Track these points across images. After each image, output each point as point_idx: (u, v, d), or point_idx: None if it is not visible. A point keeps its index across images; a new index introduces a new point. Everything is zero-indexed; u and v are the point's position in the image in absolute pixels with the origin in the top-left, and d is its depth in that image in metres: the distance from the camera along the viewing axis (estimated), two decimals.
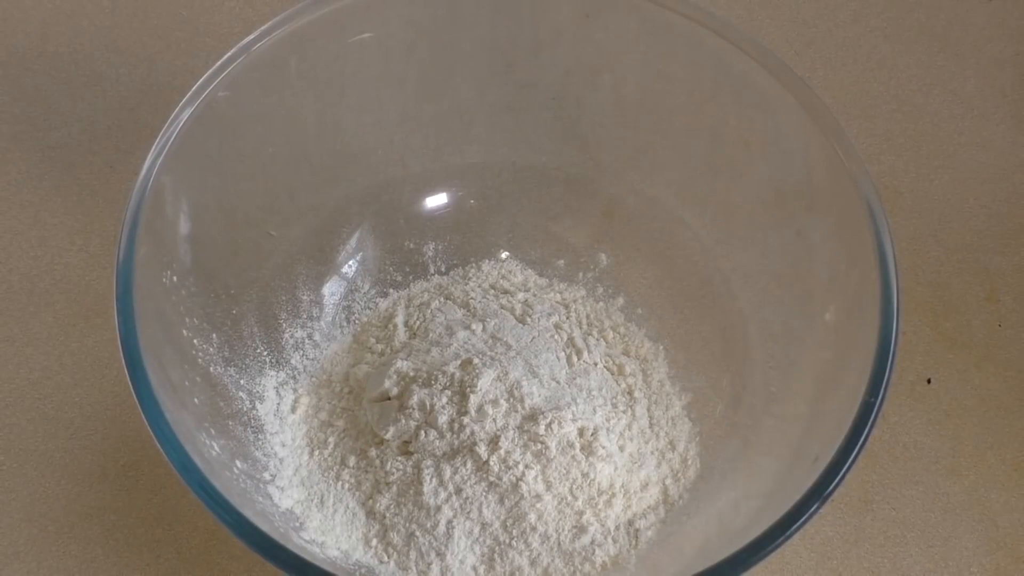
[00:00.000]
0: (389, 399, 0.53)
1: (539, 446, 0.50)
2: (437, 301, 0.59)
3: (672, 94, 0.57)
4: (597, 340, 0.58)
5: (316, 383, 0.57)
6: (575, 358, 0.56)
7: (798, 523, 0.42)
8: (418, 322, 0.58)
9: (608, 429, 0.53)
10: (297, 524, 0.50)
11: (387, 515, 0.51)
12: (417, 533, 0.50)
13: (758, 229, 0.57)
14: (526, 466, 0.50)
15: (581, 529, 0.51)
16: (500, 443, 0.50)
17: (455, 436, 0.50)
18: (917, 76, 0.73)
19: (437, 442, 0.50)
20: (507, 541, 0.50)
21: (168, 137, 0.49)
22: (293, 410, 0.55)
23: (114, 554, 0.56)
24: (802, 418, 0.50)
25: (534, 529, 0.50)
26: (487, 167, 0.61)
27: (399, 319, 0.59)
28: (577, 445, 0.51)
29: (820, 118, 0.51)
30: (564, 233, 0.62)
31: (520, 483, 0.50)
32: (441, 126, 0.60)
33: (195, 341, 0.50)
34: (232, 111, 0.52)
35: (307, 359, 0.57)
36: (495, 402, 0.51)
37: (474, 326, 0.56)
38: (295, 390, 0.56)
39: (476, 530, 0.50)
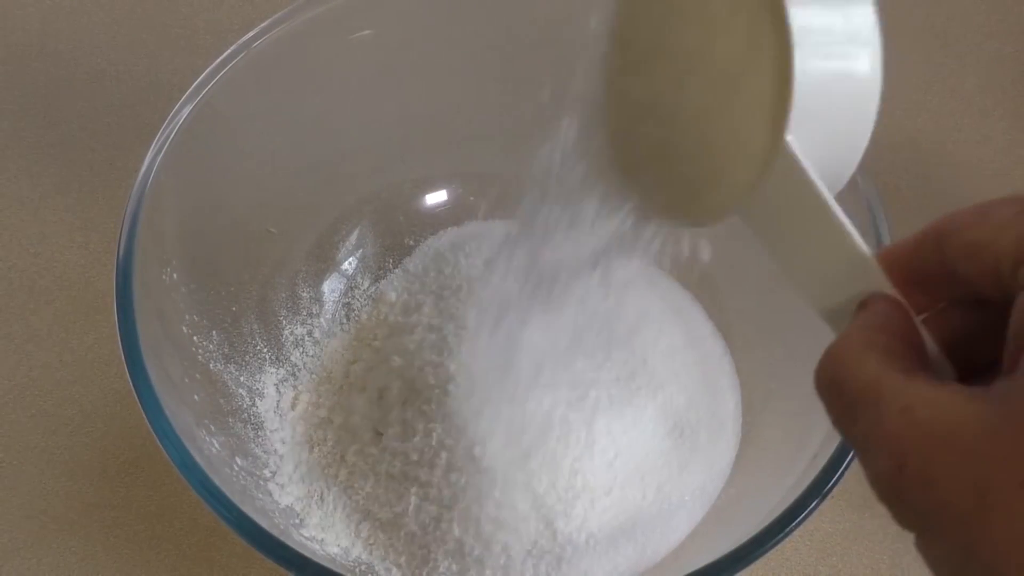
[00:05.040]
0: (388, 398, 0.53)
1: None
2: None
3: None
4: None
5: (316, 380, 0.57)
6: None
7: (797, 519, 0.42)
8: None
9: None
10: (297, 521, 0.50)
11: (387, 512, 0.51)
12: (417, 531, 0.50)
13: None
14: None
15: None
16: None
17: (455, 431, 0.50)
18: (916, 73, 0.73)
19: (437, 435, 0.50)
20: None
21: (168, 134, 0.49)
22: (293, 407, 0.55)
23: (114, 551, 0.56)
24: (801, 414, 0.50)
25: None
26: (486, 163, 0.61)
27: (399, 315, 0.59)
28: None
29: None
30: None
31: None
32: (440, 123, 0.60)
33: (195, 338, 0.51)
34: (232, 108, 0.52)
35: (307, 356, 0.57)
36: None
37: None
38: (295, 387, 0.56)
39: None
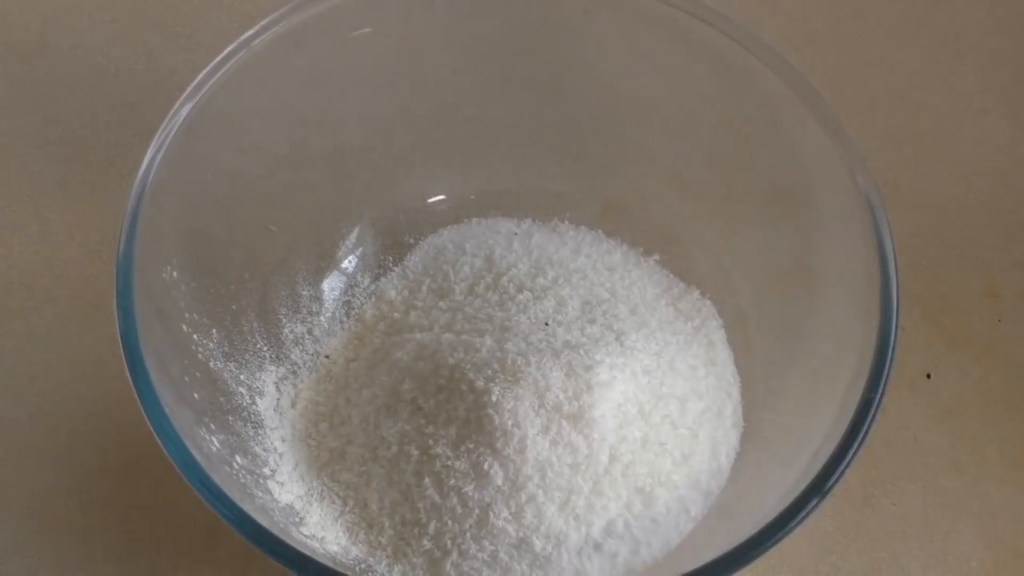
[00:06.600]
0: (389, 396, 0.53)
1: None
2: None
3: (672, 89, 0.57)
4: None
5: (316, 378, 0.57)
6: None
7: (797, 518, 0.42)
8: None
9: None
10: (297, 519, 0.50)
11: (386, 511, 0.51)
12: (416, 530, 0.50)
13: (758, 224, 0.58)
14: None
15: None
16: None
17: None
18: (917, 71, 0.73)
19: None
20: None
21: (168, 132, 0.49)
22: (293, 405, 0.55)
23: (114, 549, 0.56)
24: (801, 413, 0.50)
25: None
26: (486, 162, 0.61)
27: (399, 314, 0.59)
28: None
29: (820, 113, 0.51)
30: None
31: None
32: (440, 121, 0.60)
33: (195, 336, 0.51)
34: (232, 107, 0.52)
35: (307, 354, 0.57)
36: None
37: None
38: (295, 385, 0.56)
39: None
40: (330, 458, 0.53)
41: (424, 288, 0.59)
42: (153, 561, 0.56)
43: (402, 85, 0.59)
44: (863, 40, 0.75)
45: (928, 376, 0.63)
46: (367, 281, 0.60)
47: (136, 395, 0.43)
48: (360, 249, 0.61)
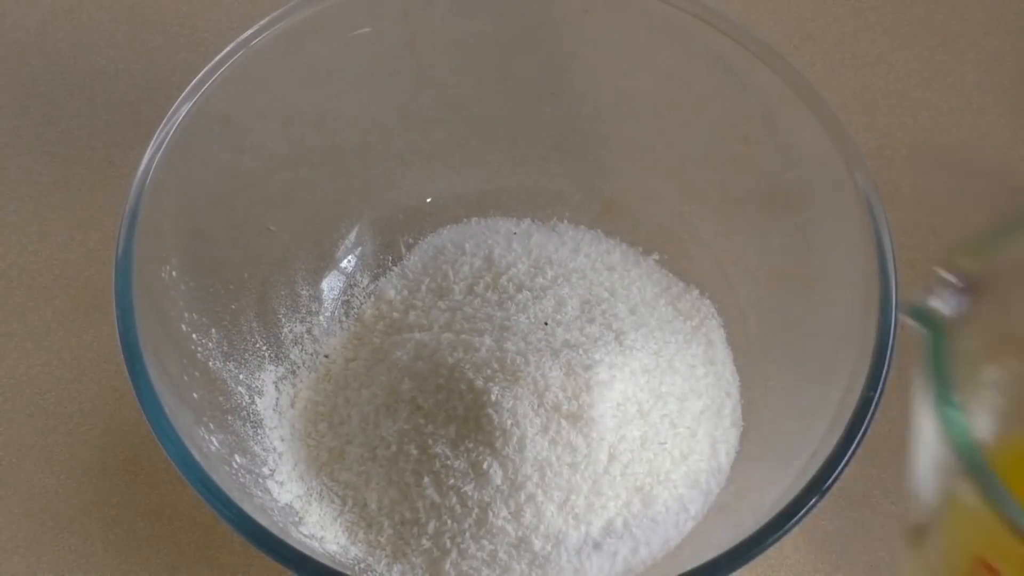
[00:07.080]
0: (388, 395, 0.53)
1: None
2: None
3: (671, 89, 0.58)
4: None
5: (315, 378, 0.57)
6: None
7: (796, 517, 0.42)
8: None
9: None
10: (296, 519, 0.50)
11: (386, 510, 0.51)
12: (415, 530, 0.50)
13: (757, 223, 0.58)
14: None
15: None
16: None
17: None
18: (916, 70, 0.73)
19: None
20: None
21: (167, 132, 0.49)
22: (292, 405, 0.55)
23: (113, 549, 0.56)
24: (800, 412, 0.50)
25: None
26: (485, 162, 0.61)
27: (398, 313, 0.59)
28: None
29: (819, 113, 0.51)
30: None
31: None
32: (439, 121, 0.60)
33: (194, 336, 0.51)
34: (231, 106, 0.52)
35: (306, 354, 0.57)
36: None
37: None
38: (294, 385, 0.56)
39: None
40: (329, 458, 0.53)
41: (423, 288, 0.59)
42: (153, 561, 0.56)
43: (401, 85, 0.59)
44: (862, 39, 0.75)
45: None
46: (366, 281, 0.60)
47: (135, 395, 0.43)
48: (359, 249, 0.61)
